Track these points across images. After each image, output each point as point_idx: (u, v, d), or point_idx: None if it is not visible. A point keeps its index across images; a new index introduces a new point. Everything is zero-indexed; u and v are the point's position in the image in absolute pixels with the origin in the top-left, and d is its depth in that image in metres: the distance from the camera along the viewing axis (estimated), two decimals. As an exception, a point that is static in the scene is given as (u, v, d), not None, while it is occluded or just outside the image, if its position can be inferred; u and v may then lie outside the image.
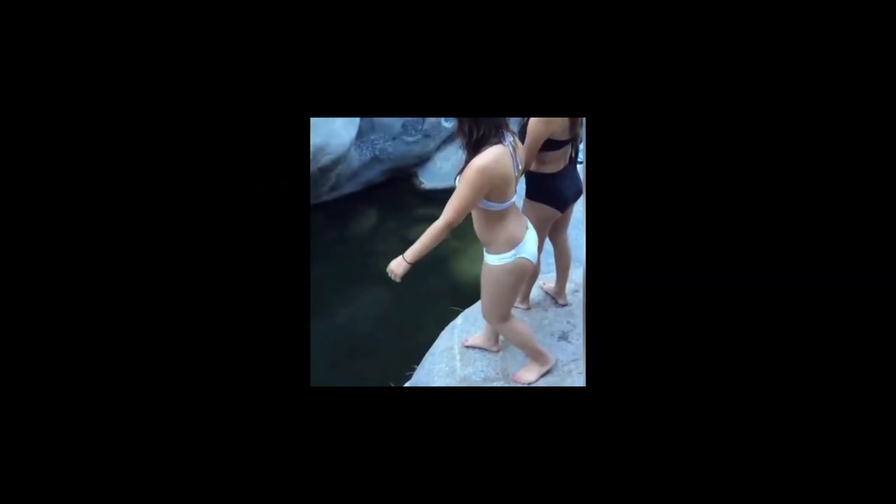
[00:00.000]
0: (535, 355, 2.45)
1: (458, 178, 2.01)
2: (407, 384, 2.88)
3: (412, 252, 2.03)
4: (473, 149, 1.93)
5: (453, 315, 3.11)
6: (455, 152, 6.77)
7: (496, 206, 2.02)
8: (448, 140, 6.78)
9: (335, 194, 6.30)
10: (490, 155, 1.90)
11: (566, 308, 2.86)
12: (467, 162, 1.94)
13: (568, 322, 2.80)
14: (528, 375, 2.46)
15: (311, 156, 5.49)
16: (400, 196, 6.49)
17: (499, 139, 1.92)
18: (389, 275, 2.06)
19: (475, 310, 3.02)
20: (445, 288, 4.93)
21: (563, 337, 2.68)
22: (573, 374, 2.42)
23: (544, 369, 2.45)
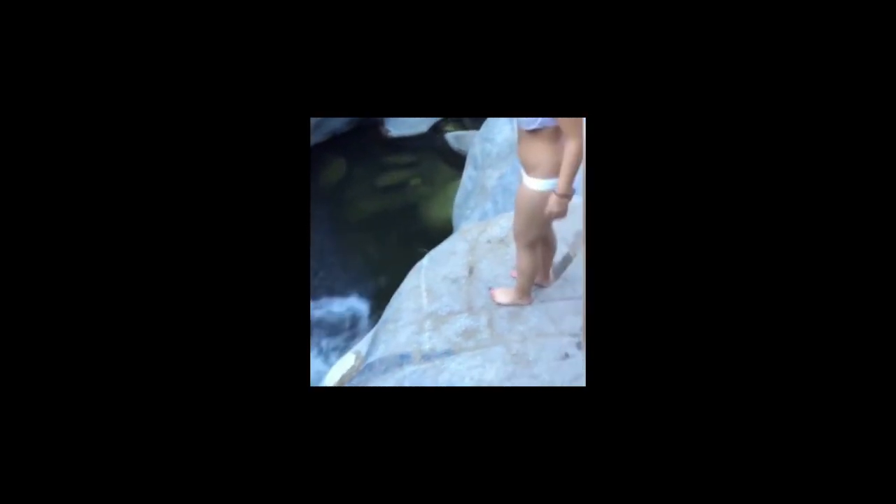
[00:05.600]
0: (523, 290, 2.58)
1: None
2: (377, 326, 3.07)
3: (564, 185, 2.07)
4: None
5: (421, 256, 3.28)
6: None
7: (550, 123, 2.08)
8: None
9: (302, 145, 6.31)
10: None
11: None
12: None
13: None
14: (502, 297, 2.61)
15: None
16: (367, 145, 6.52)
17: None
18: (551, 214, 2.11)
19: (440, 251, 3.19)
20: (415, 232, 5.09)
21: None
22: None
23: (519, 302, 2.61)
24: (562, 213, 2.15)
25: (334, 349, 4.61)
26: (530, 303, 2.61)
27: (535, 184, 2.20)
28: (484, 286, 2.74)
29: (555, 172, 2.14)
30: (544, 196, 2.19)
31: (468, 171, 4.84)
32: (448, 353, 2.45)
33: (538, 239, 2.39)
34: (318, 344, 4.69)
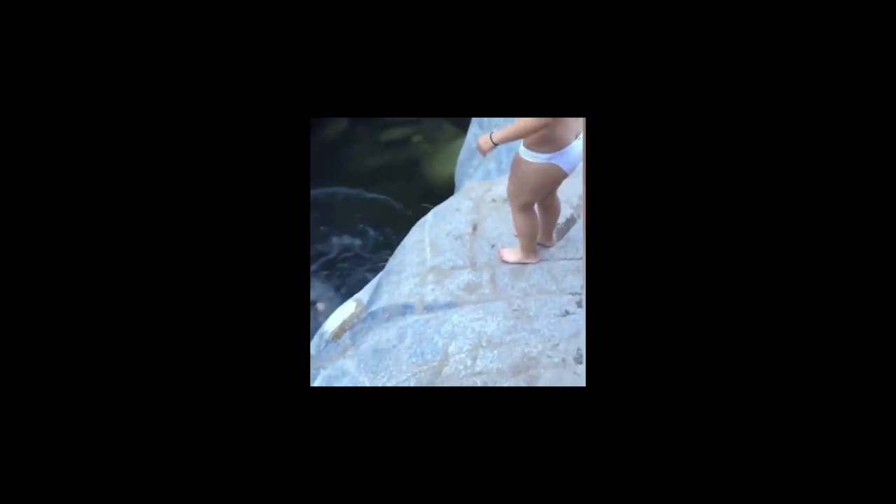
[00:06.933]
0: (528, 248, 2.66)
1: None
2: (379, 276, 3.13)
3: (500, 134, 2.18)
4: None
5: (425, 211, 3.32)
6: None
7: None
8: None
9: (306, 97, 6.27)
10: None
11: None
12: None
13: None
14: (510, 256, 2.69)
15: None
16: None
17: None
18: (478, 149, 2.24)
19: (444, 208, 3.24)
20: (418, 189, 5.12)
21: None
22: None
23: (526, 261, 2.69)
24: (483, 147, 2.23)
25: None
26: (537, 261, 2.68)
27: (526, 154, 2.29)
28: (487, 244, 2.80)
29: (542, 149, 2.22)
30: (534, 167, 2.28)
31: (473, 129, 4.83)
32: (450, 305, 2.52)
33: (530, 203, 2.47)
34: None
